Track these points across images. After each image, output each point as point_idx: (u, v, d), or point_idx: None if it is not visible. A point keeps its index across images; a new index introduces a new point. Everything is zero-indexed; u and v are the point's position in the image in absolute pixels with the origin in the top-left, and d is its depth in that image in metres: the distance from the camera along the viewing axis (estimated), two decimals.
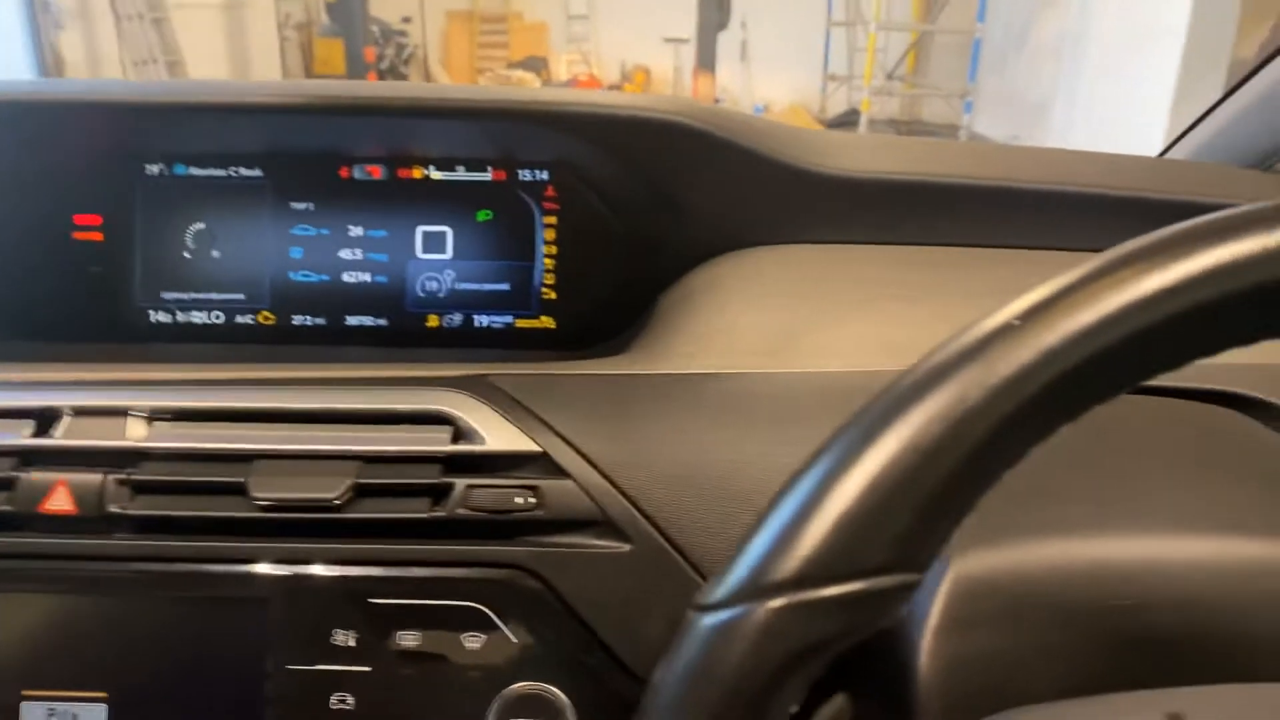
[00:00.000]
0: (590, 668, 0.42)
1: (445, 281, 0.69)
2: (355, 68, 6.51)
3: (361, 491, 0.44)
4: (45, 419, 0.47)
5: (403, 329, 0.69)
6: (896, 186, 0.58)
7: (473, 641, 0.43)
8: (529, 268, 0.69)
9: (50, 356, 0.64)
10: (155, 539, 0.45)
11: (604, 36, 8.99)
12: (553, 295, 0.69)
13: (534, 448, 0.45)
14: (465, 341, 0.69)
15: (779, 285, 0.55)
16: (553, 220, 0.68)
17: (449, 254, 0.69)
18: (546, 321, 0.69)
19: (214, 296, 0.69)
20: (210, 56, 6.33)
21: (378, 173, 0.68)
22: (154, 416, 0.48)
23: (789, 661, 0.24)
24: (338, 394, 0.49)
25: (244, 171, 0.68)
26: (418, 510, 0.44)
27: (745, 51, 8.85)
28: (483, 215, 0.68)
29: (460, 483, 0.44)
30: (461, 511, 0.44)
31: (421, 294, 0.69)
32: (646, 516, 0.43)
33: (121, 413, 0.47)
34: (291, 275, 0.69)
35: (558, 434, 0.46)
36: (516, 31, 8.98)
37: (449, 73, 8.92)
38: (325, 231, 0.69)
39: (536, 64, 8.76)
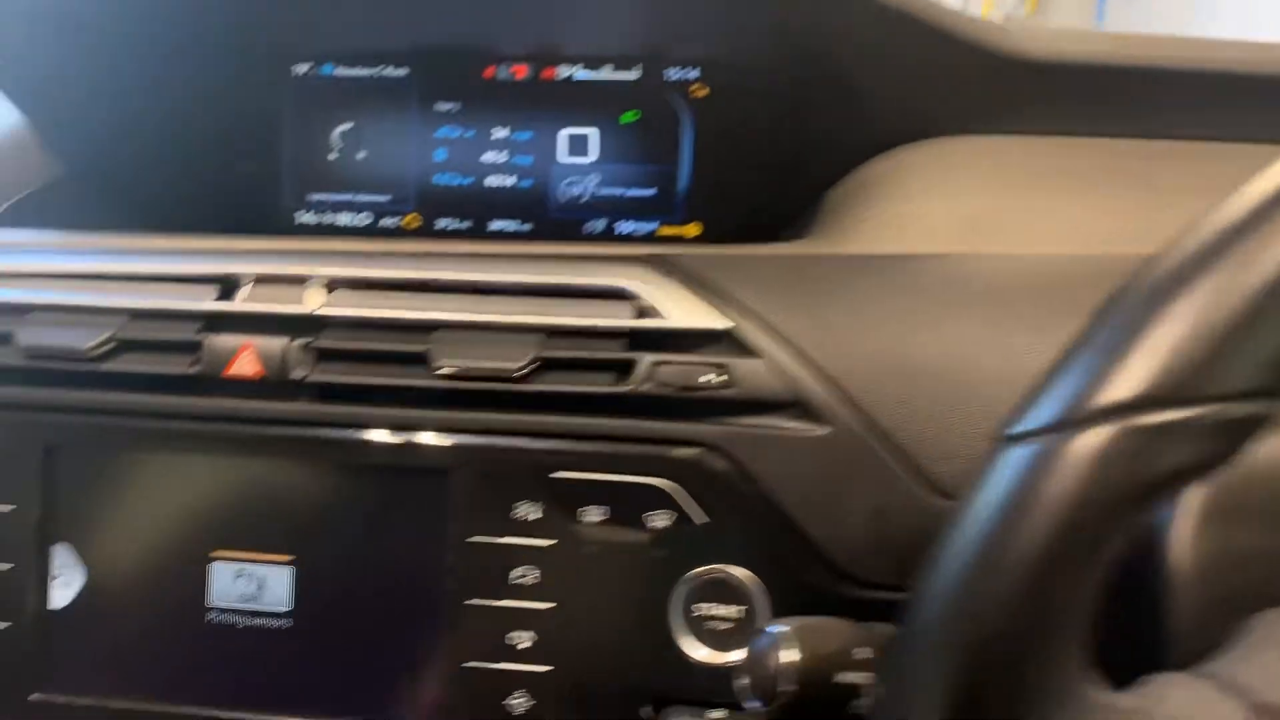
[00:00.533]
0: (784, 554, 0.41)
1: (588, 186, 0.67)
2: None
3: (544, 365, 0.43)
4: (227, 285, 0.48)
5: (546, 234, 0.68)
6: (1103, 71, 0.53)
7: (659, 520, 0.42)
8: (673, 171, 0.67)
9: None
10: (337, 405, 0.45)
11: None
12: (699, 200, 0.66)
13: (721, 324, 0.43)
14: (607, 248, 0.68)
15: (973, 174, 0.52)
16: (701, 120, 0.65)
17: (593, 157, 0.67)
18: (692, 228, 0.67)
19: (360, 198, 0.69)
20: None
21: (522, 72, 0.67)
22: (333, 285, 0.47)
23: (1127, 496, 0.21)
24: (516, 267, 0.47)
25: (390, 71, 0.67)
26: (601, 385, 0.43)
27: None
28: (628, 117, 0.66)
29: (645, 358, 0.43)
30: (647, 387, 0.42)
31: (564, 199, 0.68)
32: (849, 398, 0.41)
33: (300, 280, 0.47)
34: (436, 178, 0.68)
35: (748, 310, 0.43)
36: None
37: None
38: (470, 134, 0.68)
39: None
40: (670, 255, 0.46)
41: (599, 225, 0.68)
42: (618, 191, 0.67)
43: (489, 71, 0.67)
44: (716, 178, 0.66)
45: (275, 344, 0.45)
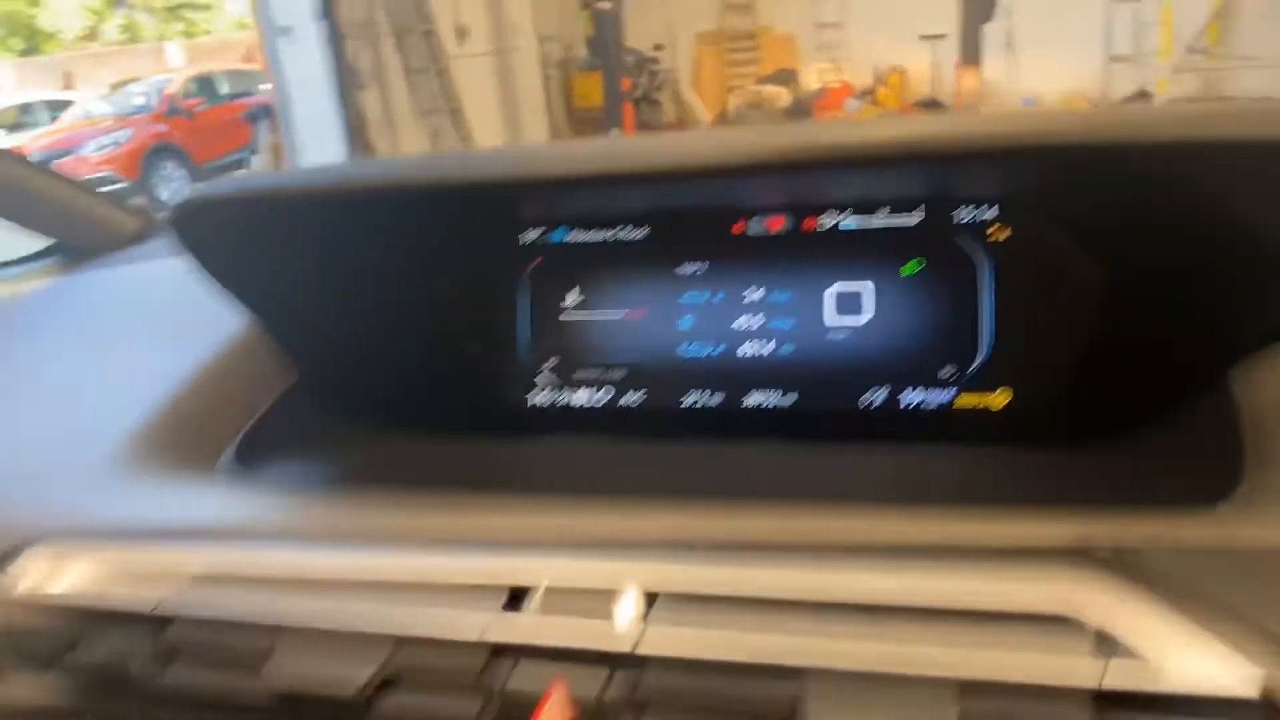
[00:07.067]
0: None
1: (864, 350, 0.57)
2: (613, 98, 6.69)
3: None
4: (515, 595, 0.39)
5: (812, 410, 0.58)
6: None
7: None
8: (972, 330, 0.55)
9: (425, 458, 0.59)
10: None
11: (854, 41, 8.68)
12: (1006, 363, 0.54)
13: (1245, 682, 0.29)
14: (890, 425, 0.56)
15: None
16: (1005, 269, 0.54)
17: (867, 316, 0.57)
18: (998, 397, 0.55)
19: (596, 374, 0.61)
20: (483, 99, 6.75)
21: (778, 225, 0.57)
22: (652, 598, 0.38)
23: None
24: (904, 575, 0.35)
25: (627, 233, 0.60)
26: None
27: (1010, 41, 8.21)
28: (909, 268, 0.56)
29: None
30: None
31: (835, 367, 0.57)
32: None
33: (606, 594, 0.37)
34: (681, 349, 0.59)
35: None
36: (765, 46, 8.89)
37: (699, 94, 8.99)
38: (719, 297, 0.59)
39: (786, 76, 8.60)
40: (1125, 548, 0.33)
41: (878, 397, 0.57)
42: (900, 356, 0.56)
43: (739, 226, 0.58)
44: (1028, 336, 0.54)
45: (589, 686, 0.36)
